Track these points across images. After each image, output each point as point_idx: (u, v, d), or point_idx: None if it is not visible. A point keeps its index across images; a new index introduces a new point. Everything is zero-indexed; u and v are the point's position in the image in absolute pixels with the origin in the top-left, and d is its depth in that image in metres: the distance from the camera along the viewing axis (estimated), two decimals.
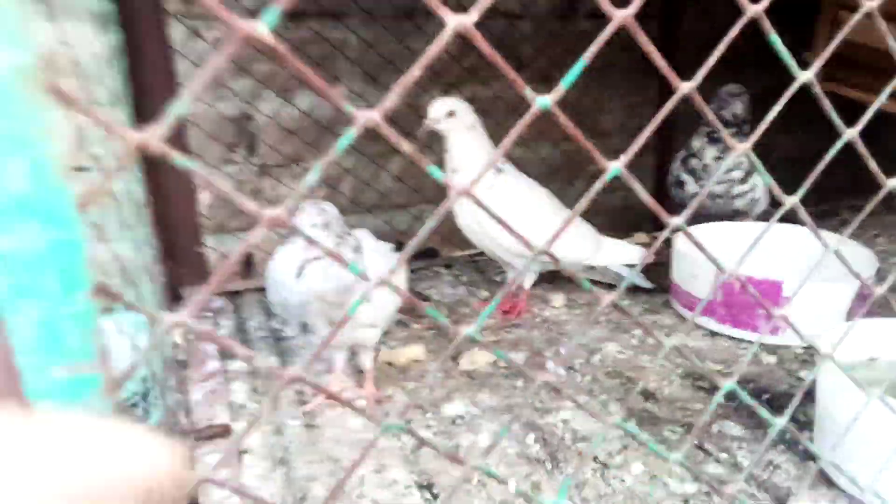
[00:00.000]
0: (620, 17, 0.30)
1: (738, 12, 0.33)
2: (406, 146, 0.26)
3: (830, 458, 0.86)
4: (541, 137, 1.87)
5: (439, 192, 1.70)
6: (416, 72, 0.25)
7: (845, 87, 1.65)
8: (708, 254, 0.35)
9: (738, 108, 1.51)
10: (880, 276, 1.54)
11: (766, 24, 0.34)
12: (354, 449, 0.96)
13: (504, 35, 1.76)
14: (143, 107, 1.23)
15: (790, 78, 0.38)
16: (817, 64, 0.36)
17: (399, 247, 1.17)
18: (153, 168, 1.24)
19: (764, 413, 0.40)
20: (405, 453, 0.95)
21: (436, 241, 1.80)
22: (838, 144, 0.42)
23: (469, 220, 1.27)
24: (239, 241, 1.68)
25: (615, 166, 0.30)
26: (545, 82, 1.90)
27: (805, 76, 0.35)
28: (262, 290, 1.50)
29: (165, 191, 1.33)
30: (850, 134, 0.42)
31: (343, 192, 1.69)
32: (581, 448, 0.95)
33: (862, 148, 0.42)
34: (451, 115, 1.24)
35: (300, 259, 0.86)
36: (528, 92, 0.27)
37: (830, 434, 0.86)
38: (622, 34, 0.30)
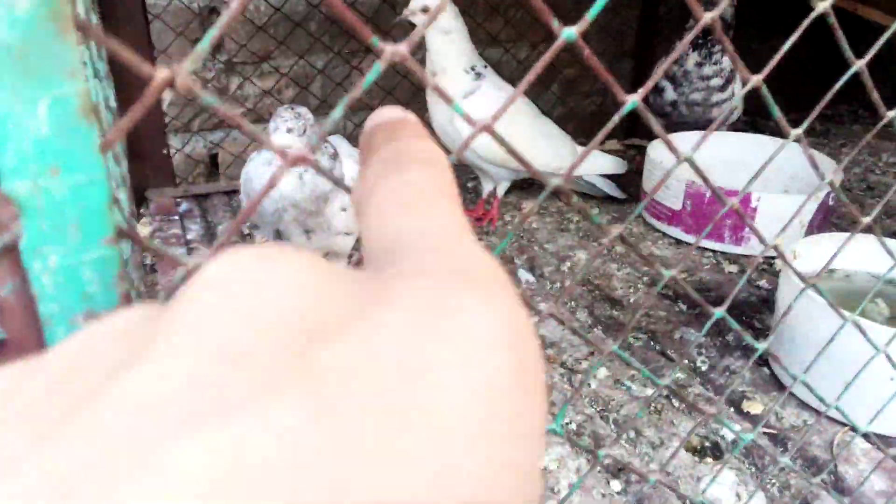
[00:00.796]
0: None
1: None
2: (430, 80, 0.25)
3: (786, 362, 0.92)
4: (519, 39, 1.81)
5: (413, 95, 1.66)
6: None
7: None
8: (699, 169, 0.35)
9: (727, 13, 1.48)
10: (845, 189, 1.59)
11: None
12: None
13: None
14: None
15: None
16: None
17: None
18: (116, 64, 1.18)
19: (748, 339, 0.42)
20: None
21: None
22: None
23: (443, 121, 1.25)
24: (203, 139, 1.63)
25: (633, 99, 0.30)
26: None
27: (823, 6, 0.35)
28: (230, 192, 1.47)
29: (129, 91, 1.27)
30: (859, 65, 0.41)
31: (313, 92, 1.63)
32: (551, 353, 0.99)
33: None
34: (426, 11, 1.19)
35: (275, 165, 0.84)
36: (555, 23, 0.26)
37: (788, 342, 0.91)
38: None
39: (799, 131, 0.38)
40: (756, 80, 0.35)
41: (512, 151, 0.29)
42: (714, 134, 1.54)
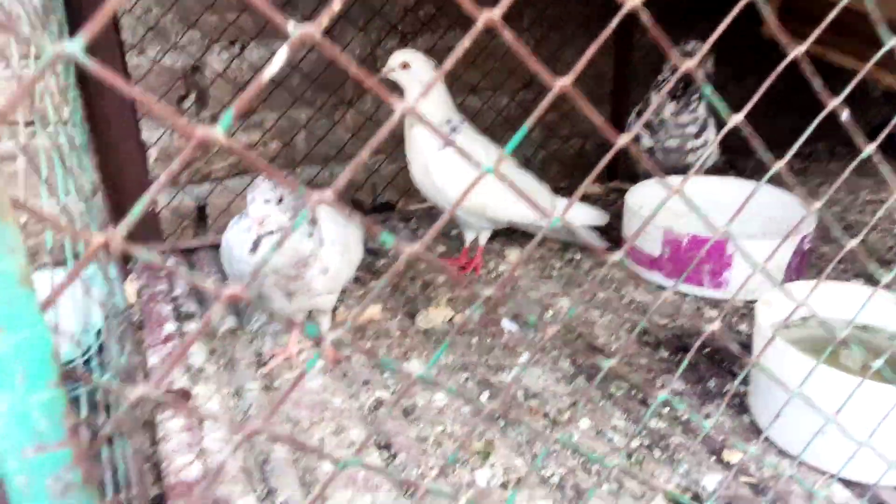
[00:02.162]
0: None
1: None
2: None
3: (764, 410, 0.93)
4: (498, 88, 1.86)
5: (394, 145, 1.69)
6: None
7: (799, 39, 1.68)
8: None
9: (707, 65, 1.52)
10: (821, 229, 1.61)
11: None
12: (314, 410, 0.98)
13: None
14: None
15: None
16: None
17: (354, 204, 1.18)
18: (99, 125, 1.21)
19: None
20: (363, 414, 0.98)
21: (394, 194, 1.80)
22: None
23: (420, 171, 1.28)
24: (191, 193, 1.66)
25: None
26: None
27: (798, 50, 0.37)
28: (218, 246, 1.49)
29: (114, 147, 1.29)
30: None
31: (297, 145, 1.66)
32: (533, 405, 1.00)
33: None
34: (406, 67, 1.23)
35: (255, 233, 0.86)
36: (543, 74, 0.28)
37: (765, 389, 0.92)
38: None
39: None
40: (737, 119, 0.36)
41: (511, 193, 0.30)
42: (692, 179, 1.57)
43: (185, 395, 0.99)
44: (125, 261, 1.39)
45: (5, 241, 0.18)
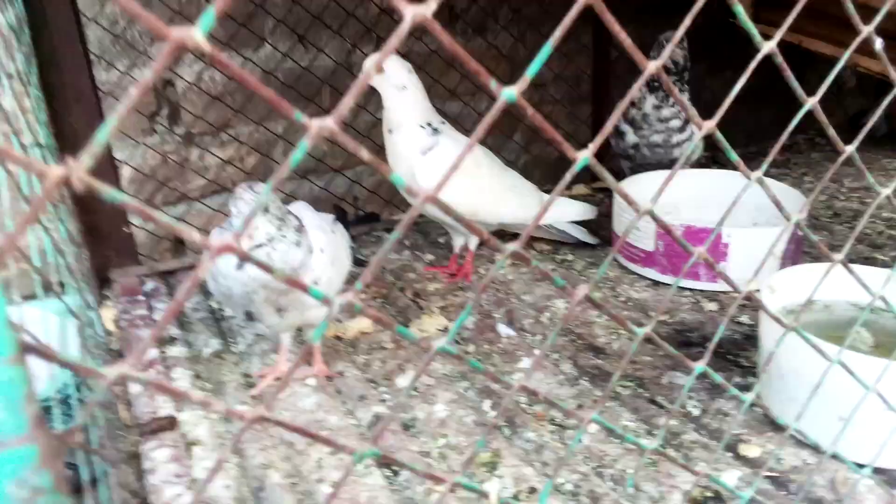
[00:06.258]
0: None
1: None
2: (364, 154, 0.23)
3: (777, 401, 0.89)
4: (478, 91, 1.83)
5: (376, 155, 1.65)
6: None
7: (773, 28, 1.68)
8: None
9: (678, 55, 1.51)
10: (810, 217, 1.60)
11: None
12: (310, 430, 0.93)
13: None
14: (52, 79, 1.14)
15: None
16: None
17: (339, 214, 1.13)
18: (72, 146, 1.15)
19: (734, 391, 0.40)
20: (361, 431, 0.93)
21: (377, 205, 1.76)
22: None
23: (405, 179, 1.24)
24: (167, 214, 1.60)
25: (584, 156, 0.28)
26: (480, 33, 1.83)
27: (769, 46, 0.34)
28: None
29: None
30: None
31: (276, 158, 1.62)
32: (538, 410, 0.96)
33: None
34: (380, 71, 1.19)
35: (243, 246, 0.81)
36: (493, 83, 0.24)
37: (776, 377, 0.89)
38: None
39: (759, 174, 0.37)
40: (707, 126, 0.33)
41: (459, 218, 0.27)
42: (678, 173, 1.55)
43: (171, 422, 0.93)
44: (101, 286, 1.32)
45: None
